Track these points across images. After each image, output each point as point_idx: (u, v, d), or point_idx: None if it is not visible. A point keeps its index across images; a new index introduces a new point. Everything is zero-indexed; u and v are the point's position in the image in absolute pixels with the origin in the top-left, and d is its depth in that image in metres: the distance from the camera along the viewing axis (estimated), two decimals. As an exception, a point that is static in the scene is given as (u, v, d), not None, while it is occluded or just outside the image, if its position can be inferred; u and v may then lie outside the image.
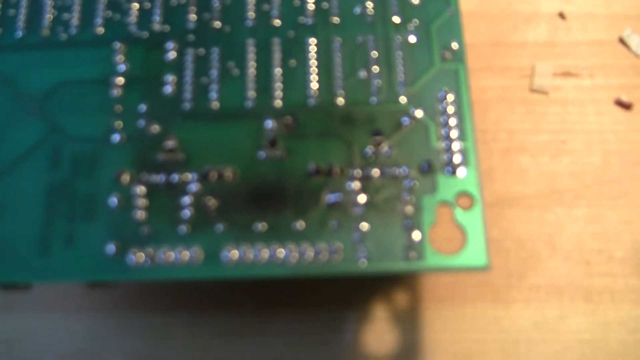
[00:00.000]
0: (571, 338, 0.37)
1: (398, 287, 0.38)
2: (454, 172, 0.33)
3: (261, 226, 0.32)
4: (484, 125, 0.40)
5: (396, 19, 0.36)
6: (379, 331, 0.37)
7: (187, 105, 0.34)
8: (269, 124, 0.34)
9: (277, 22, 0.36)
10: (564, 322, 0.37)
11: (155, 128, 0.34)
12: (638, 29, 0.43)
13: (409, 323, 0.37)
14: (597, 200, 0.39)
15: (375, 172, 0.33)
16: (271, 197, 0.32)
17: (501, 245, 0.38)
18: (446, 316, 0.37)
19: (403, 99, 0.34)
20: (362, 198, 0.32)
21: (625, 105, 0.41)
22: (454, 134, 0.33)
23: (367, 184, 0.32)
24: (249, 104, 0.34)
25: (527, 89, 0.41)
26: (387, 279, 0.38)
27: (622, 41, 0.42)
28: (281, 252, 0.31)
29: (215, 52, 0.35)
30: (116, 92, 0.34)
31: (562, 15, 0.43)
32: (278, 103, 0.34)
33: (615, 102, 0.41)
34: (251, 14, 0.36)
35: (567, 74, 0.42)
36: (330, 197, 0.32)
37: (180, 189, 0.33)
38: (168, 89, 0.34)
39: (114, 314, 0.37)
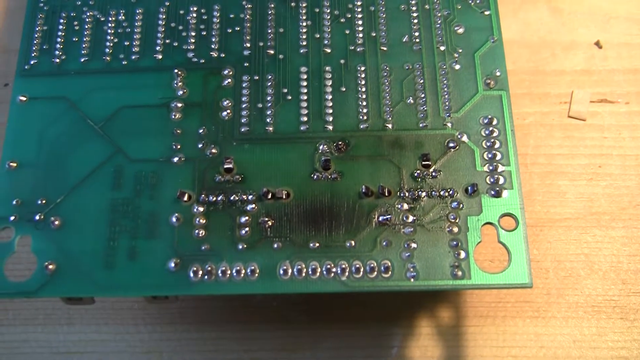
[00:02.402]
0: (608, 355, 0.38)
1: (442, 305, 0.38)
2: (497, 195, 0.34)
3: (315, 244, 0.33)
4: (524, 149, 0.41)
5: (442, 48, 0.37)
6: (423, 346, 0.38)
7: (243, 129, 0.35)
8: (322, 147, 0.35)
9: (328, 50, 0.37)
10: (601, 339, 0.38)
11: (214, 150, 0.35)
12: (672, 57, 0.43)
13: (453, 339, 0.38)
14: (634, 222, 0.40)
15: (423, 193, 0.34)
16: (324, 216, 0.34)
17: (541, 264, 0.39)
18: (488, 332, 0.38)
19: (449, 125, 0.35)
20: (410, 218, 0.33)
21: (660, 131, 0.42)
22: (497, 158, 0.34)
23: (415, 205, 0.34)
24: (303, 128, 0.35)
25: (565, 115, 0.42)
26: (432, 297, 0.39)
27: (656, 69, 0.43)
28: (334, 269, 0.32)
29: (270, 78, 0.37)
30: (176, 116, 0.36)
31: (598, 44, 0.44)
32: (330, 127, 0.35)
33: (650, 128, 0.42)
34: (303, 42, 0.37)
35: (603, 101, 0.43)
36: (380, 217, 0.33)
37: (238, 208, 0.34)
38: (225, 113, 0.36)
39: (171, 328, 0.38)
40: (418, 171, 0.34)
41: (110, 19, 0.38)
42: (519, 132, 0.41)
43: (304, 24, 0.38)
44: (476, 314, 0.38)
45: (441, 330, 0.38)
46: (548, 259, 0.39)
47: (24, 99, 0.36)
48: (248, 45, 0.37)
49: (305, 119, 0.36)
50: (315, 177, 0.34)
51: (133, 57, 0.37)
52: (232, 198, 0.34)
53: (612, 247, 0.39)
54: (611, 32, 0.44)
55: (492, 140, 0.35)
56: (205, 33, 0.38)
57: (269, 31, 0.38)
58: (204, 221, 0.34)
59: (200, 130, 0.35)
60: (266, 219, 0.33)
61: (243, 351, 0.38)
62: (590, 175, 0.41)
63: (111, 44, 0.38)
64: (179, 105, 0.36)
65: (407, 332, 0.38)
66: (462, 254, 0.33)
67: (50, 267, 0.33)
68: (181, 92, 0.36)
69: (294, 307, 0.38)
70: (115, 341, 0.38)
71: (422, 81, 0.36)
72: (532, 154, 0.41)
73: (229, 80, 0.37)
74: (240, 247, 0.33)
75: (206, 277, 0.33)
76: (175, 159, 0.35)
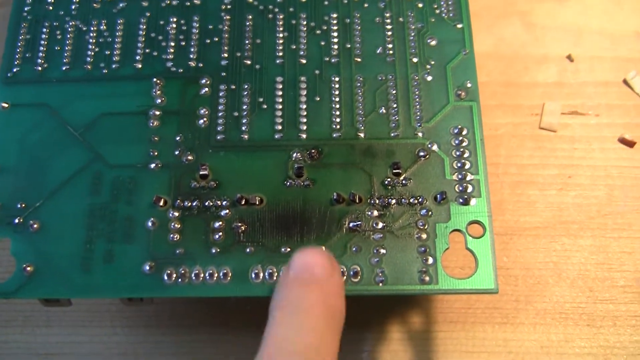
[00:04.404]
0: (575, 361, 0.38)
1: (413, 310, 0.39)
2: (466, 203, 0.35)
3: (286, 249, 0.34)
4: (495, 159, 0.42)
5: (414, 59, 0.38)
6: (394, 351, 0.38)
7: (219, 137, 0.36)
8: (296, 155, 0.36)
9: (303, 61, 0.38)
10: (569, 345, 0.39)
11: (189, 157, 0.36)
12: (642, 71, 0.44)
13: (423, 344, 0.39)
14: (601, 231, 0.41)
15: (393, 201, 0.35)
16: (296, 222, 0.34)
17: (510, 272, 0.40)
18: (457, 338, 0.39)
19: (420, 134, 0.36)
20: (380, 225, 0.34)
21: (629, 143, 0.42)
22: (466, 167, 0.35)
23: (385, 212, 0.34)
24: (277, 136, 0.36)
25: (536, 126, 0.43)
26: (402, 302, 0.39)
27: (626, 83, 0.44)
28: (305, 274, 0.33)
29: (246, 87, 0.37)
30: (153, 124, 0.36)
31: (570, 58, 0.45)
32: (304, 136, 0.36)
33: (619, 140, 0.43)
34: (280, 53, 0.38)
35: (574, 113, 0.43)
36: (350, 224, 0.34)
37: (212, 213, 0.35)
38: (202, 121, 0.36)
39: (147, 331, 0.39)
40: (389, 179, 0.35)
41: (91, 28, 0.39)
42: (491, 143, 0.42)
43: (281, 35, 0.39)
44: (446, 319, 0.39)
45: (411, 336, 0.39)
46: (517, 267, 0.40)
47: (6, 105, 0.37)
48: (225, 55, 0.38)
49: (279, 127, 0.36)
50: (288, 184, 0.35)
51: (113, 66, 0.38)
52: (206, 204, 0.35)
53: (580, 255, 0.40)
54: (583, 46, 0.45)
55: (462, 149, 0.35)
56: (184, 43, 0.39)
57: (247, 42, 0.38)
58: (179, 226, 0.34)
59: (177, 138, 0.36)
60: (239, 224, 0.34)
61: (217, 354, 0.38)
62: (560, 185, 0.41)
63: (92, 53, 0.39)
64: (157, 113, 0.37)
65: (378, 336, 0.39)
66: (430, 260, 0.33)
67: (29, 269, 0.34)
68: (159, 101, 0.37)
69: (268, 312, 0.39)
70: (92, 343, 0.39)
71: (394, 92, 0.37)
72: (503, 164, 0.42)
73: (206, 89, 0.37)
74: (214, 251, 0.34)
75: (180, 280, 0.33)
76: (152, 165, 0.35)
